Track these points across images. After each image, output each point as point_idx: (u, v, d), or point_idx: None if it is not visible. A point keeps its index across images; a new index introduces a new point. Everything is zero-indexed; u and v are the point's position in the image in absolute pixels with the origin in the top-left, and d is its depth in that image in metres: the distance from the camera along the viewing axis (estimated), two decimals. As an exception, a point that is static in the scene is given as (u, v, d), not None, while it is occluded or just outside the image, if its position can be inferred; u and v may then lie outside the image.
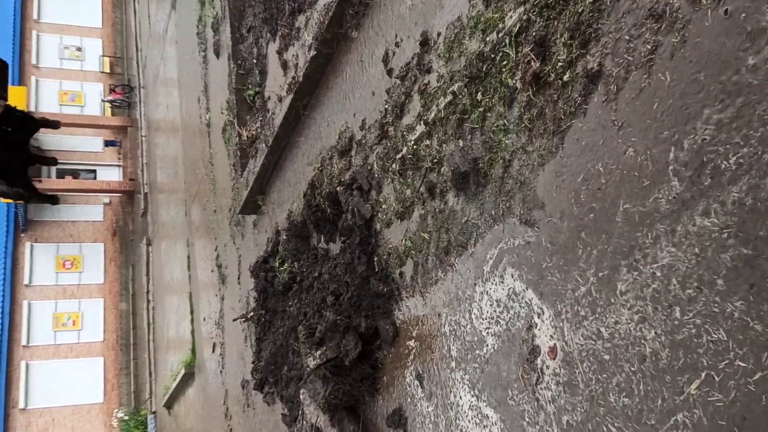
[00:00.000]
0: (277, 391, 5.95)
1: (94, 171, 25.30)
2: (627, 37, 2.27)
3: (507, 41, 2.84)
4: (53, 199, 4.10)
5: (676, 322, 2.03)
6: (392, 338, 3.96)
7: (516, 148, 2.84)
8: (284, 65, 5.83)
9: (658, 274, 2.10)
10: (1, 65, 3.04)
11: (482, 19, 3.07)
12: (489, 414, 3.01)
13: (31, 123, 3.22)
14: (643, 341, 2.15)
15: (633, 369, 2.19)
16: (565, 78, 2.53)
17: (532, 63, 2.67)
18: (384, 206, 4.12)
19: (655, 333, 2.11)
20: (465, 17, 3.23)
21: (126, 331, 22.95)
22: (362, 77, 4.51)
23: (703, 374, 1.92)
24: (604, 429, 2.31)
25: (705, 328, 1.92)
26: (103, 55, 27.88)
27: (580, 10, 2.46)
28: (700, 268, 1.95)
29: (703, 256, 1.95)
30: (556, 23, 2.59)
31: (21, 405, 20.93)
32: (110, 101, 25.78)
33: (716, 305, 1.89)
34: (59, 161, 24.23)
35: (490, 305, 3.04)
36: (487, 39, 3.01)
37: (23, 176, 3.21)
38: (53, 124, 3.63)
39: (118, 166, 25.44)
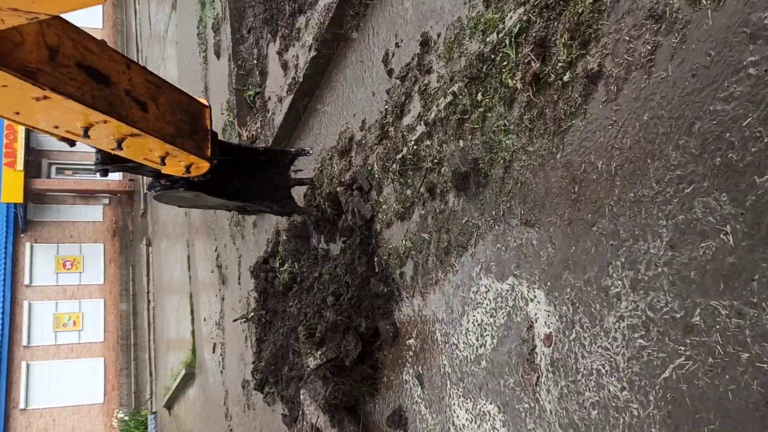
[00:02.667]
0: (277, 392, 5.95)
1: (94, 171, 25.33)
2: (627, 38, 2.27)
3: (507, 42, 2.85)
4: (311, 208, 4.42)
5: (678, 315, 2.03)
6: (392, 338, 3.97)
7: (516, 148, 2.84)
8: (284, 66, 5.83)
9: (651, 266, 2.11)
10: (212, 134, 3.42)
11: (482, 19, 3.07)
12: (490, 410, 3.02)
13: (278, 155, 3.72)
14: (644, 335, 2.16)
15: (630, 366, 2.20)
16: (565, 78, 2.53)
17: (533, 63, 2.67)
18: (384, 206, 4.12)
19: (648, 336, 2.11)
20: (465, 18, 3.23)
21: (126, 331, 22.93)
22: (362, 78, 4.51)
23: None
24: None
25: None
26: (103, 56, 27.80)
27: (580, 11, 2.46)
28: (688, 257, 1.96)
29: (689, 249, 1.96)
30: (556, 24, 2.59)
31: (21, 405, 20.90)
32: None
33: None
34: (60, 161, 24.25)
35: (490, 304, 3.04)
36: (488, 40, 3.01)
37: (284, 198, 3.73)
38: (304, 152, 3.95)
39: (118, 166, 25.44)
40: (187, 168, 3.30)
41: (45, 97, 2.49)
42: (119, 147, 2.93)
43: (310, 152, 4.05)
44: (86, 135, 2.78)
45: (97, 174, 3.42)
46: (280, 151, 4.03)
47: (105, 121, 2.75)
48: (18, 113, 2.62)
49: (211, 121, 3.41)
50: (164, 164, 3.18)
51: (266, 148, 4.09)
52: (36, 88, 2.43)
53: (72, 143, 2.97)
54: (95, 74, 2.72)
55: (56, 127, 2.77)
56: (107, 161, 3.28)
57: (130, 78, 2.91)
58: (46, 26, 2.49)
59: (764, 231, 1.77)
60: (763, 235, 1.77)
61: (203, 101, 3.45)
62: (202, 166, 3.32)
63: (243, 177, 3.74)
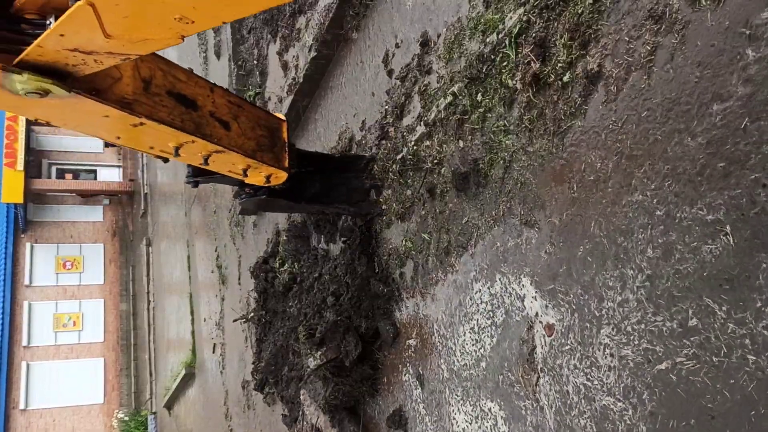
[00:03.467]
0: (277, 392, 5.95)
1: (94, 171, 25.28)
2: (627, 38, 2.28)
3: (507, 42, 2.85)
4: (376, 208, 4.63)
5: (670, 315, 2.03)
6: (392, 339, 3.97)
7: (516, 148, 2.84)
8: (284, 66, 5.83)
9: (644, 270, 2.11)
10: (290, 145, 3.75)
11: (482, 20, 3.07)
12: (490, 408, 3.02)
13: (348, 160, 4.08)
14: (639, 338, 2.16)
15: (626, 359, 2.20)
16: (565, 79, 2.54)
17: (532, 64, 2.67)
18: (384, 207, 4.12)
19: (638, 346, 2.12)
20: (465, 18, 3.23)
21: (126, 331, 22.91)
22: (362, 78, 4.51)
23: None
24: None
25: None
26: (104, 56, 27.73)
27: (579, 12, 2.46)
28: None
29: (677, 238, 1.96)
30: (555, 24, 2.59)
31: (21, 406, 20.88)
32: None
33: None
34: (60, 162, 24.24)
35: (490, 305, 3.04)
36: (487, 40, 3.02)
37: (360, 201, 4.07)
38: (370, 159, 4.19)
39: (118, 166, 25.43)
40: (267, 178, 3.59)
41: (141, 123, 2.82)
42: (206, 162, 3.25)
43: (360, 160, 4.23)
44: (177, 153, 3.11)
45: (189, 185, 3.75)
46: (355, 156, 4.28)
47: (193, 141, 3.06)
48: (119, 137, 2.97)
49: (288, 133, 3.73)
50: (246, 175, 3.48)
51: (342, 154, 4.35)
52: (133, 117, 2.74)
53: (165, 160, 3.28)
54: (183, 100, 3.05)
55: (151, 148, 3.09)
56: (197, 174, 3.62)
57: (213, 100, 3.22)
58: (140, 61, 2.81)
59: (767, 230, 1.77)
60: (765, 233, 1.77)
61: (280, 116, 3.74)
62: (280, 176, 3.60)
63: (320, 182, 4.00)
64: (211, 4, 1.82)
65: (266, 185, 3.71)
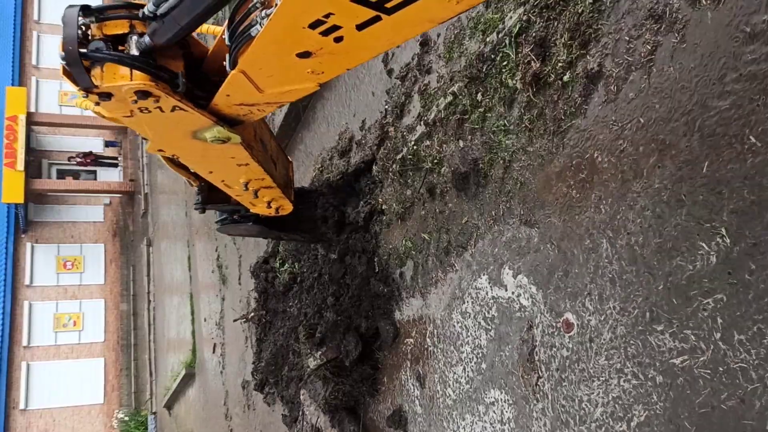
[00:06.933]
0: (277, 392, 5.95)
1: (95, 172, 25.27)
2: (627, 38, 2.27)
3: (507, 42, 2.85)
4: (333, 237, 5.09)
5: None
6: (392, 339, 3.96)
7: (516, 148, 2.84)
8: (284, 66, 5.82)
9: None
10: (300, 193, 4.21)
11: (482, 19, 3.07)
12: (495, 399, 3.02)
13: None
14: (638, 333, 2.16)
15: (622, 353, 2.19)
16: (565, 78, 2.53)
17: (532, 63, 2.67)
18: (384, 207, 4.12)
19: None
20: (465, 18, 3.23)
21: (127, 331, 22.89)
22: (362, 78, 4.51)
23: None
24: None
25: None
26: (104, 56, 27.66)
27: (579, 11, 2.46)
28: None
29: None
30: (556, 24, 2.59)
31: (21, 406, 20.87)
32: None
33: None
34: (60, 162, 24.25)
35: (490, 304, 3.04)
36: (487, 40, 3.01)
37: (312, 230, 4.41)
38: (332, 209, 4.58)
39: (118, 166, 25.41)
40: (277, 209, 3.97)
41: (246, 164, 3.18)
42: (256, 196, 3.63)
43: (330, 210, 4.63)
44: (246, 188, 3.47)
45: (197, 211, 4.03)
46: (309, 190, 4.70)
47: (263, 179, 3.42)
48: (211, 172, 3.33)
49: (293, 172, 4.16)
50: (270, 207, 3.85)
51: (299, 188, 4.75)
52: (247, 158, 3.11)
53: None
54: (263, 143, 3.42)
55: (222, 182, 3.45)
56: (206, 202, 3.90)
57: (272, 145, 3.66)
58: None
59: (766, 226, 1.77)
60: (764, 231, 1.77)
61: (288, 158, 4.15)
62: (288, 208, 3.98)
63: None
64: (331, 60, 2.14)
65: (275, 215, 4.05)
